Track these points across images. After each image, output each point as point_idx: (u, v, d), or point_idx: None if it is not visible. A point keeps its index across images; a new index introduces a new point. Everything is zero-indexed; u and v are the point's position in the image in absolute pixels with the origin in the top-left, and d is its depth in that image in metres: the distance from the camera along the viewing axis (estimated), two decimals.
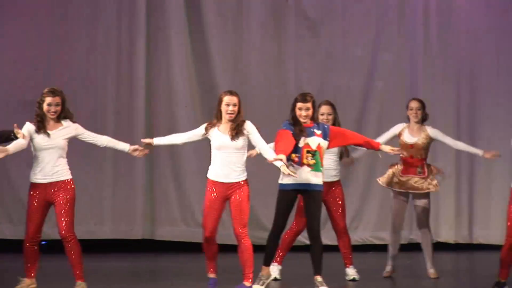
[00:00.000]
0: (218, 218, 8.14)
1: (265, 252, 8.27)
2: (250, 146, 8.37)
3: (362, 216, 12.83)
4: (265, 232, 9.20)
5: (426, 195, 9.48)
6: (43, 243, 11.62)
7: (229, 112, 8.04)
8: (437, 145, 10.66)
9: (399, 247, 9.59)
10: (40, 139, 7.94)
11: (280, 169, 7.89)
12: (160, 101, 12.77)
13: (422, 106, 9.65)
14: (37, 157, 7.96)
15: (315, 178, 8.01)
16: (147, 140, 8.37)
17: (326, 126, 8.30)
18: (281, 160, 7.70)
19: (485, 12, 13.06)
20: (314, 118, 8.26)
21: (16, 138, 7.96)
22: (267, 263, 8.25)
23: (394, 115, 11.94)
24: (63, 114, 8.01)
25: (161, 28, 12.63)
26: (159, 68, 12.75)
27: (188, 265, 10.89)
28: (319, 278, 8.08)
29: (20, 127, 8.18)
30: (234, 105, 8.10)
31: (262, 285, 8.23)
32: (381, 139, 9.39)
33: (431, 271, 9.38)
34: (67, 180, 7.96)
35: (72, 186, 8.02)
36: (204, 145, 8.71)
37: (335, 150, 9.10)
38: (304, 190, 8.06)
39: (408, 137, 9.46)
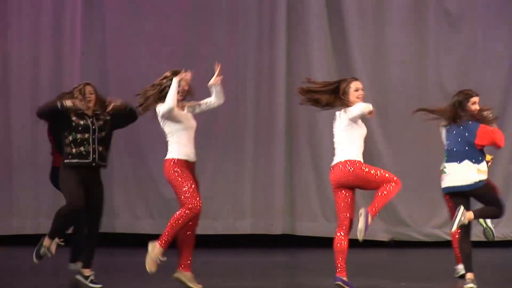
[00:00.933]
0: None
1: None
2: None
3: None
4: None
5: None
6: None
7: None
8: None
9: None
10: (182, 118, 7.92)
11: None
12: (300, 96, 12.81)
13: None
14: (180, 136, 7.89)
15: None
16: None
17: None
18: None
19: None
20: None
21: (62, 109, 7.98)
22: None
23: None
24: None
25: (301, 23, 12.82)
26: (298, 64, 12.89)
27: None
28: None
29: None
30: None
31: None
32: None
33: None
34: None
35: None
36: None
37: None
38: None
39: None
